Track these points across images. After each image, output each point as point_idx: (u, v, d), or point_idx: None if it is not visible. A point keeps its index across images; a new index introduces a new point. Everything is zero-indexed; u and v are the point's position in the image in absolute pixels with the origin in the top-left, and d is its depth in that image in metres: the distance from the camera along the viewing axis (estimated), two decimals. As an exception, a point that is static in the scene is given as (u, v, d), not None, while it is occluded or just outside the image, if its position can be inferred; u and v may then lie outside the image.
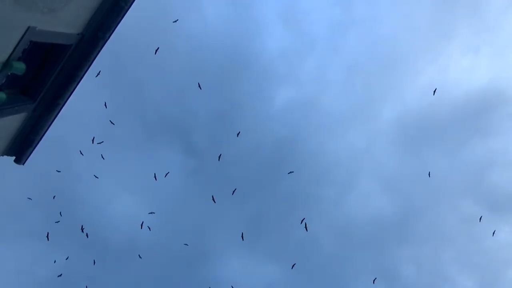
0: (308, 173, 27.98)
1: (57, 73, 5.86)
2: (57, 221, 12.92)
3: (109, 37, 6.09)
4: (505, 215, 28.14)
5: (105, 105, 11.48)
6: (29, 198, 14.02)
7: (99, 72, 8.94)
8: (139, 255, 19.53)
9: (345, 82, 30.42)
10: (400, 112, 30.29)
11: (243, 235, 14.03)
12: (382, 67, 29.58)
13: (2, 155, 6.34)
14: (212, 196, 13.77)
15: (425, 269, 28.18)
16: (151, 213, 14.96)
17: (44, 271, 24.22)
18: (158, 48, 10.88)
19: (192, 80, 23.60)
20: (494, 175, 27.45)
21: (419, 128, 28.37)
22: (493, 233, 16.33)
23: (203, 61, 25.55)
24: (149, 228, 14.36)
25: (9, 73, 4.90)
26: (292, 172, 17.65)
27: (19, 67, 4.83)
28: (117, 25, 6.05)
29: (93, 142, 11.97)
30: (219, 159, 15.18)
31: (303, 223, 12.50)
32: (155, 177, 13.60)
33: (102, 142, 12.11)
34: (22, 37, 4.66)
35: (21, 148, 6.46)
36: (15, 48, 4.70)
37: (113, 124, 12.05)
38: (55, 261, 16.42)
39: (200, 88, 13.50)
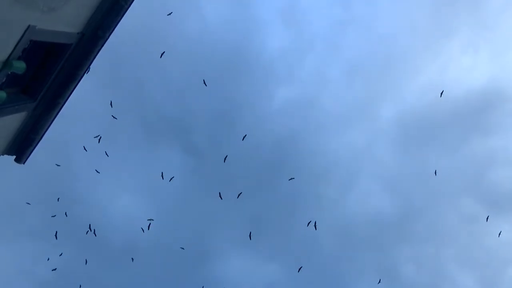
0: (308, 173, 28.00)
1: (57, 72, 5.87)
2: (53, 215, 12.94)
3: (109, 36, 6.10)
4: (506, 213, 28.17)
5: (111, 104, 11.46)
6: (28, 203, 14.01)
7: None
8: (132, 258, 19.48)
9: (345, 82, 30.44)
10: (400, 111, 30.30)
11: (251, 234, 14.08)
12: (382, 66, 29.59)
13: (3, 154, 6.34)
14: (219, 193, 13.77)
15: (425, 268, 28.22)
16: (150, 219, 14.93)
17: (44, 271, 24.24)
18: (164, 52, 10.95)
19: (192, 80, 23.61)
20: (495, 174, 27.47)
21: (419, 127, 28.37)
22: (499, 234, 15.99)
23: (203, 60, 25.56)
24: (143, 230, 14.37)
25: (9, 72, 4.91)
26: (293, 178, 17.80)
27: (19, 66, 4.84)
28: (117, 24, 6.06)
29: (99, 142, 11.97)
30: (224, 161, 15.08)
31: (312, 223, 12.56)
32: (162, 176, 13.57)
33: (99, 136, 12.00)
34: (22, 36, 4.67)
35: (21, 147, 6.46)
36: (15, 47, 4.70)
37: (116, 118, 11.97)
38: (48, 259, 16.52)
39: (206, 85, 13.38)
